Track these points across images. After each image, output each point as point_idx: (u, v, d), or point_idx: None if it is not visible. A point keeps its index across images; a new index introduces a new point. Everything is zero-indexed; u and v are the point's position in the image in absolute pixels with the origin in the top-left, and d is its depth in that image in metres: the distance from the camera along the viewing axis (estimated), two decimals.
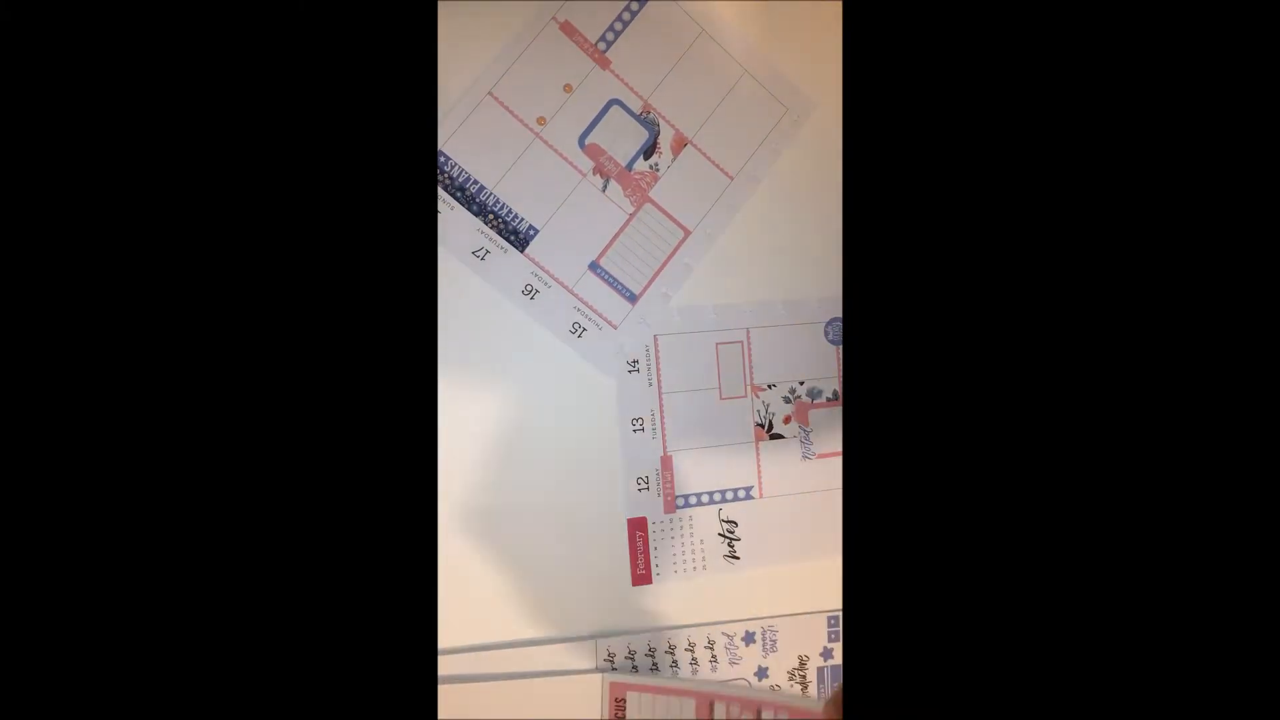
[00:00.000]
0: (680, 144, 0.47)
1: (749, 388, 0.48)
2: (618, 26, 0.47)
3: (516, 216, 0.46)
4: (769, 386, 0.48)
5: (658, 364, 0.47)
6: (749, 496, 0.48)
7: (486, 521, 0.45)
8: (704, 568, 0.48)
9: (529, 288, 0.46)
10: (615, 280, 0.47)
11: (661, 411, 0.47)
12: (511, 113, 0.46)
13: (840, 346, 0.49)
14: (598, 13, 0.47)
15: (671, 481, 0.47)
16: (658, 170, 0.47)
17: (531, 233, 0.46)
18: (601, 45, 0.47)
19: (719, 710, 0.44)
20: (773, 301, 0.49)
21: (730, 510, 0.48)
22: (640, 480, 0.47)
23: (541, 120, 0.46)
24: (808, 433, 0.49)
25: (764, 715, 0.44)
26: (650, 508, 0.47)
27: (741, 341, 0.48)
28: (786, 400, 0.48)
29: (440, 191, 0.46)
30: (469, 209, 0.46)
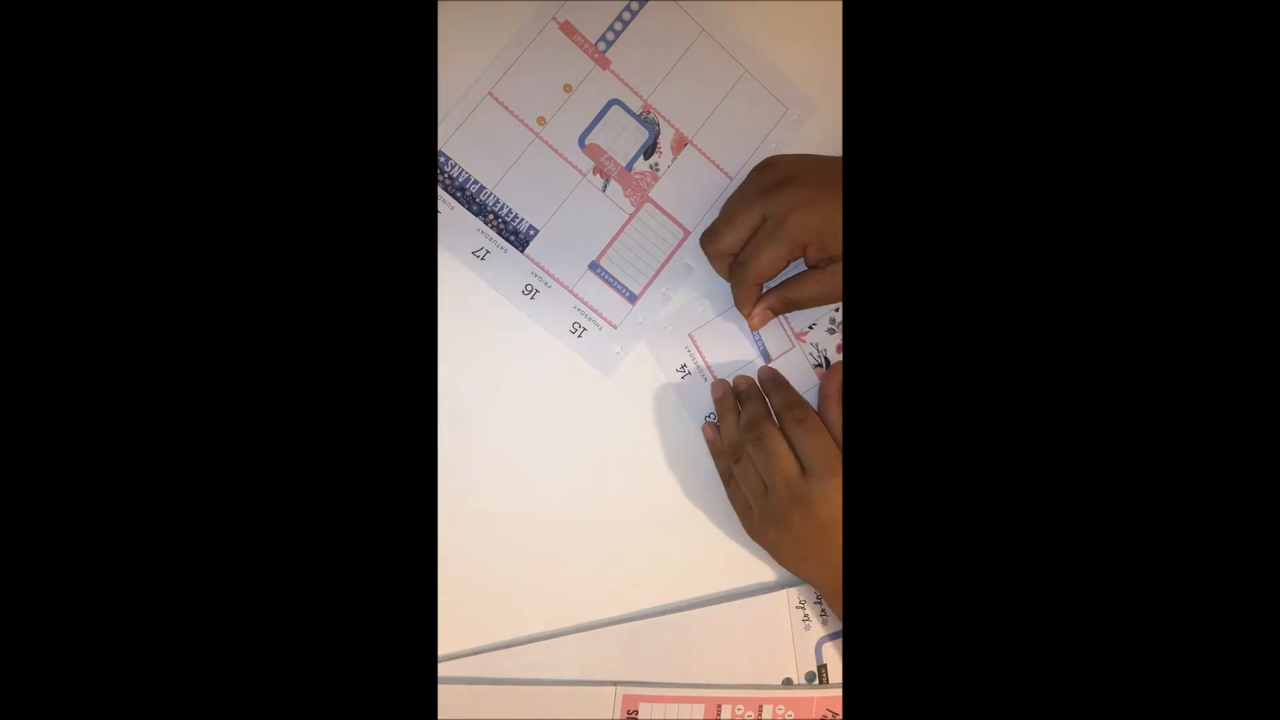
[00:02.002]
0: (680, 144, 0.47)
1: (792, 337, 0.48)
2: (618, 26, 0.47)
3: (516, 216, 0.46)
4: (809, 328, 0.48)
5: (703, 357, 0.47)
6: None
7: (485, 522, 0.45)
8: None
9: (529, 288, 0.46)
10: (615, 280, 0.47)
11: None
12: (511, 113, 0.46)
13: None
14: (598, 13, 0.47)
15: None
16: (658, 170, 0.47)
17: (531, 233, 0.46)
18: (601, 45, 0.47)
19: (725, 711, 0.44)
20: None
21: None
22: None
23: (541, 120, 0.46)
24: None
25: (764, 713, 0.44)
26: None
27: None
28: (830, 331, 0.48)
29: (440, 191, 0.46)
30: (469, 209, 0.46)
